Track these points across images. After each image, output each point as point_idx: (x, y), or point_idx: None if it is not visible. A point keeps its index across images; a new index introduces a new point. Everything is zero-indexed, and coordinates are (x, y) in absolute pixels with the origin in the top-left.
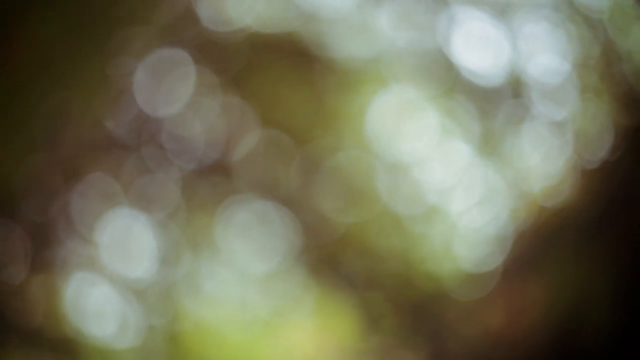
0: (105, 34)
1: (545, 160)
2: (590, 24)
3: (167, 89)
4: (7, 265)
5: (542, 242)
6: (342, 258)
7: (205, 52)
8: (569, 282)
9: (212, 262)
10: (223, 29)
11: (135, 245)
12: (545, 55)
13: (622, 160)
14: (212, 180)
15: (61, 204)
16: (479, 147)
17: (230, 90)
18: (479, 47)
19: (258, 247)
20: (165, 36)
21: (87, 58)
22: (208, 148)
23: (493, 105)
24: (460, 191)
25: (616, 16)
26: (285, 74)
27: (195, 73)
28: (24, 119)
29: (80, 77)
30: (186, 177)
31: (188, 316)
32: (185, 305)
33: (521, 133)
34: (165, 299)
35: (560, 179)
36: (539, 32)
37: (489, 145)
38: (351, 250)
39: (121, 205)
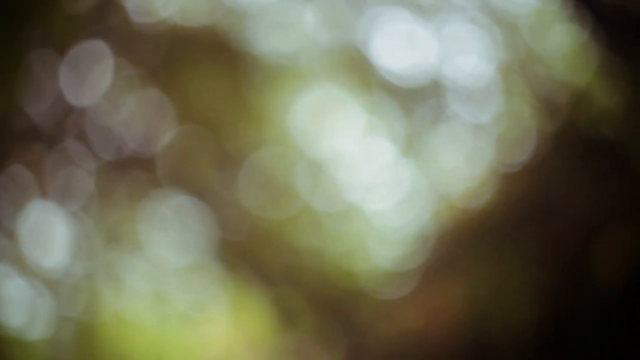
0: (25, 25)
1: (467, 162)
2: (515, 28)
3: (87, 81)
4: None
5: (462, 243)
6: (259, 254)
7: (126, 43)
8: (487, 283)
9: (129, 254)
10: (144, 20)
11: (50, 237)
12: (468, 57)
13: (542, 165)
14: (130, 173)
15: None
16: (401, 147)
17: (150, 83)
18: (402, 47)
19: (176, 241)
20: (85, 27)
21: (4, 49)
22: (126, 141)
23: (415, 106)
24: (382, 190)
25: (540, 21)
26: (208, 67)
27: (114, 65)
28: None
29: None
30: (104, 170)
31: (104, 308)
32: (101, 297)
33: (443, 134)
34: (79, 291)
35: (482, 181)
36: (462, 35)
37: (411, 145)
38: (269, 247)
39: (38, 198)
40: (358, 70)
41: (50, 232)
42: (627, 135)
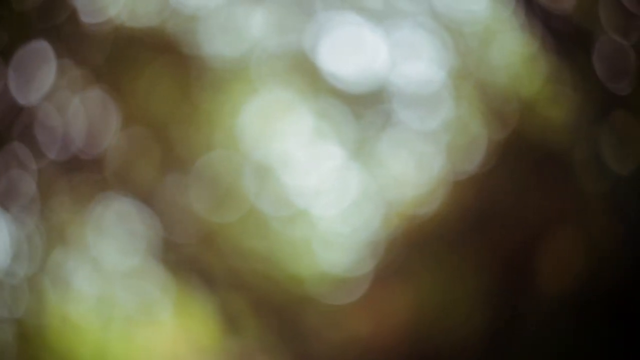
0: None
1: (416, 169)
2: (464, 35)
3: (32, 81)
4: None
5: (411, 250)
6: (205, 258)
7: (72, 43)
8: (434, 290)
9: (74, 257)
10: (91, 20)
11: None
12: (417, 63)
13: (490, 173)
14: (75, 174)
15: None
16: (349, 152)
17: (96, 84)
18: (351, 52)
19: (121, 244)
20: (31, 26)
21: None
22: (71, 142)
23: (364, 112)
24: (330, 195)
25: (490, 29)
26: (155, 69)
27: (60, 65)
28: None
29: None
30: (48, 170)
31: (47, 310)
32: (44, 300)
33: (392, 141)
34: (21, 293)
35: (430, 188)
36: (412, 41)
37: (360, 151)
38: (215, 250)
39: None
40: (306, 75)
41: None
42: (572, 145)
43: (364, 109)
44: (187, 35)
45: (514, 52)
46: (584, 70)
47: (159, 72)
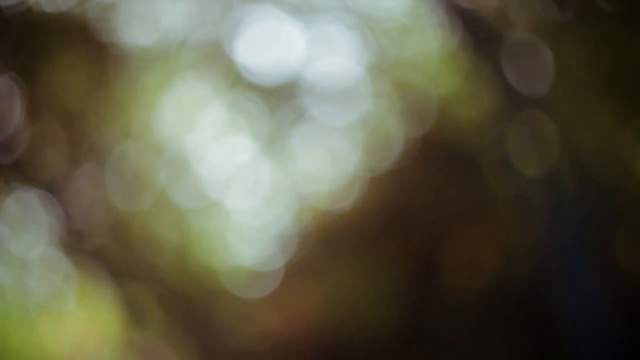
0: None
1: (331, 164)
2: (383, 31)
3: None
4: None
5: (325, 246)
6: (112, 248)
7: None
8: (345, 285)
9: None
10: (4, 3)
11: None
12: (334, 58)
13: (405, 171)
14: None
15: None
16: (262, 146)
17: (5, 70)
18: (268, 46)
19: (23, 233)
20: None
21: None
22: None
23: (278, 106)
24: (243, 188)
25: (409, 26)
26: (67, 55)
27: None
28: None
29: None
30: None
31: None
32: None
33: (306, 135)
34: None
35: (346, 184)
36: (329, 36)
37: (273, 145)
38: (123, 241)
39: None
40: (222, 67)
41: None
42: (485, 144)
43: (279, 103)
44: (103, 22)
45: (431, 50)
46: (499, 70)
47: (73, 59)
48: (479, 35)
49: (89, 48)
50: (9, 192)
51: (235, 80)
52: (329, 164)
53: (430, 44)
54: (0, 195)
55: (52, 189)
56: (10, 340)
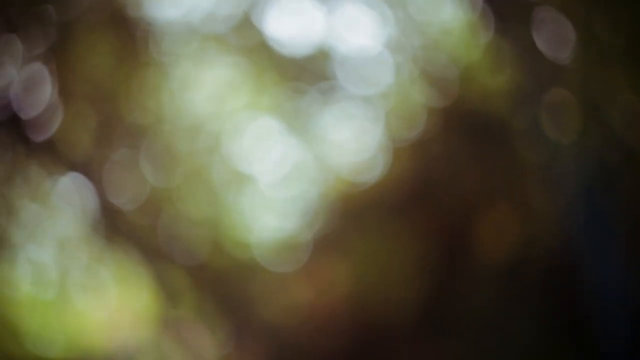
0: None
1: (356, 137)
2: (405, 4)
3: None
4: None
5: (351, 217)
6: (144, 227)
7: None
8: (374, 257)
9: (16, 227)
10: None
11: None
12: (359, 31)
13: (431, 141)
14: (13, 140)
15: None
16: (290, 119)
17: (36, 52)
18: (293, 20)
19: (56, 214)
20: None
21: None
22: (8, 104)
23: (306, 80)
24: (272, 163)
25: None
26: (98, 34)
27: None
28: None
29: None
30: None
31: None
32: None
33: (332, 108)
34: None
35: (371, 156)
36: (353, 9)
37: (301, 117)
38: (155, 219)
39: None
40: (249, 40)
41: None
42: (511, 114)
43: (306, 76)
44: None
45: (455, 20)
46: (523, 40)
47: (102, 36)
48: (501, 8)
49: (118, 24)
50: (44, 174)
51: (263, 53)
52: (356, 135)
53: (455, 11)
54: (36, 176)
55: (86, 169)
56: (48, 319)
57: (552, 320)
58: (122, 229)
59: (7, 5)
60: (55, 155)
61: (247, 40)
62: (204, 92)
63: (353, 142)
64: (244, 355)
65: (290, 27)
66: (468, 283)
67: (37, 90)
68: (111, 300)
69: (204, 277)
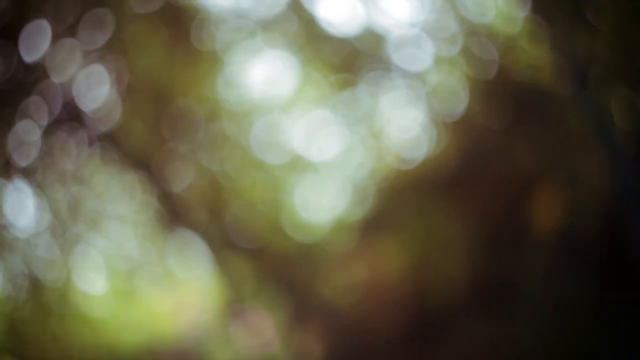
0: None
1: (404, 113)
2: None
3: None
4: None
5: (403, 196)
6: (204, 214)
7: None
8: (427, 235)
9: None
10: None
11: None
12: (401, 11)
13: (479, 116)
14: (77, 132)
15: None
16: (339, 102)
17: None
18: (339, 3)
19: (119, 206)
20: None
21: None
22: (72, 101)
23: (352, 61)
24: (323, 144)
25: None
26: (154, 27)
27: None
28: None
29: None
30: (52, 128)
31: (62, 269)
32: (59, 258)
33: (379, 88)
34: (37, 252)
35: (420, 133)
36: None
37: (349, 100)
38: (218, 204)
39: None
40: (299, 20)
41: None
42: (556, 86)
43: (354, 57)
44: None
45: None
46: (567, 5)
47: (157, 27)
48: None
49: (170, 15)
50: (107, 166)
51: (313, 33)
52: (401, 113)
53: None
54: (99, 169)
55: (147, 160)
56: (118, 307)
57: (605, 291)
58: (184, 216)
59: (64, 6)
60: (116, 147)
61: (297, 24)
62: (258, 77)
63: (401, 120)
64: (305, 335)
65: (336, 8)
66: (520, 257)
67: (97, 86)
68: (177, 287)
69: (264, 260)
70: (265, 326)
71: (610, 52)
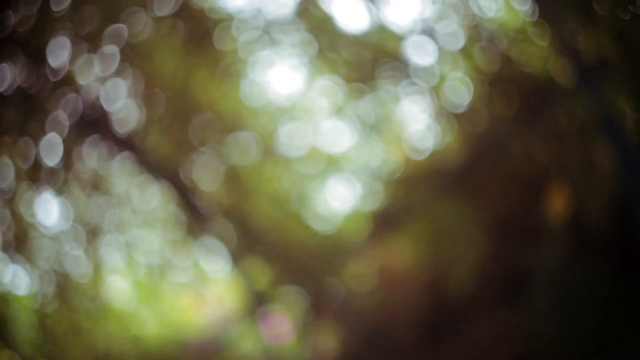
0: None
1: (417, 107)
2: None
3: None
4: None
5: (417, 187)
6: (228, 205)
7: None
8: (442, 223)
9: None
10: None
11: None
12: (411, 5)
13: (488, 108)
14: (99, 135)
15: None
16: (355, 92)
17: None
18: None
19: (143, 214)
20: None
21: None
22: (93, 105)
23: (366, 55)
24: (339, 134)
25: None
26: (171, 29)
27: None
28: None
29: None
30: (74, 130)
31: (90, 267)
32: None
33: (392, 81)
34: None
35: (432, 125)
36: None
37: (366, 90)
38: (238, 197)
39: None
40: (315, 19)
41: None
42: (562, 77)
43: (367, 51)
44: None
45: None
46: (558, 19)
47: (173, 29)
48: None
49: (186, 17)
50: (128, 166)
51: (329, 31)
52: (413, 106)
53: None
54: (121, 168)
55: (168, 158)
56: (143, 300)
57: (618, 281)
58: (207, 210)
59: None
60: (139, 152)
61: (312, 22)
62: (275, 75)
63: (415, 113)
64: (322, 327)
65: (349, 4)
66: (534, 248)
67: (118, 90)
68: (200, 281)
69: (283, 253)
70: (283, 318)
71: (616, 45)
